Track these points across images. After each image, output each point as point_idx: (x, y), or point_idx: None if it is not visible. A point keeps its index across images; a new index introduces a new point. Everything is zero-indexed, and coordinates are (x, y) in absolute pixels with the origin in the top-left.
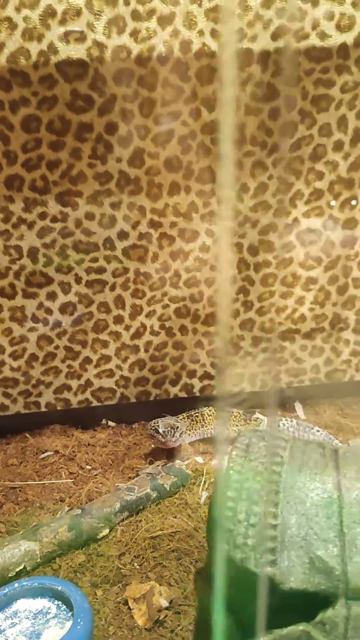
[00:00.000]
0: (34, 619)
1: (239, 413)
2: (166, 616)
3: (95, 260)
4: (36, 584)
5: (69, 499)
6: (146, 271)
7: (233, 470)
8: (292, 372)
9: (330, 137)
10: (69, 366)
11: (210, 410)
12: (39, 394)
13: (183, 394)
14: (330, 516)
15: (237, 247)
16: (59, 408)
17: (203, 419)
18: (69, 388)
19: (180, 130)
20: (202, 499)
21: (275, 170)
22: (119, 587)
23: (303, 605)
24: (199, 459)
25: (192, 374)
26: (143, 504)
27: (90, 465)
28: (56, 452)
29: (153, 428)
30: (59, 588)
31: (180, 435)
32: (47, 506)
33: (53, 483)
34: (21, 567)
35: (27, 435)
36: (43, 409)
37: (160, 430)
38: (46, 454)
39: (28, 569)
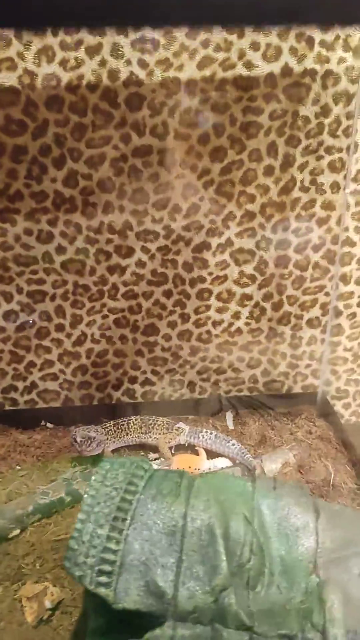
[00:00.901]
0: None
1: (163, 422)
2: (53, 615)
3: (35, 272)
4: None
5: None
6: (85, 283)
7: (87, 494)
8: (230, 382)
9: (261, 162)
10: (15, 369)
11: (136, 419)
12: None
13: (125, 399)
14: (172, 543)
15: (171, 264)
16: (6, 408)
17: (128, 427)
18: (15, 389)
19: (111, 153)
20: None
21: (207, 192)
22: (18, 585)
23: (140, 624)
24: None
25: (133, 380)
26: (56, 507)
27: (19, 466)
28: None
29: (72, 437)
30: None
31: (97, 445)
32: None
33: None
34: None
35: None
36: None
37: (78, 440)
38: None
39: None
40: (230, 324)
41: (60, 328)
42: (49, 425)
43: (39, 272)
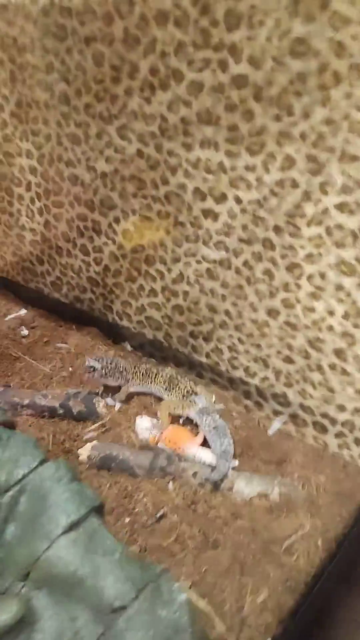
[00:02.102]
0: None
1: (185, 388)
2: None
3: (145, 197)
4: None
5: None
6: (182, 221)
7: None
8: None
9: None
10: (130, 287)
11: (165, 374)
12: (111, 301)
13: (214, 358)
14: None
15: (262, 223)
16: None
17: (155, 378)
18: (129, 305)
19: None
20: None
21: (304, 144)
22: None
23: None
24: (117, 407)
25: (220, 340)
26: (47, 412)
27: (71, 369)
28: (70, 348)
29: (88, 360)
30: None
31: (99, 376)
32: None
33: (35, 363)
34: None
35: (75, 326)
36: (112, 315)
37: (85, 364)
38: (63, 345)
39: None
40: (323, 319)
41: (162, 260)
42: (128, 347)
43: (147, 198)
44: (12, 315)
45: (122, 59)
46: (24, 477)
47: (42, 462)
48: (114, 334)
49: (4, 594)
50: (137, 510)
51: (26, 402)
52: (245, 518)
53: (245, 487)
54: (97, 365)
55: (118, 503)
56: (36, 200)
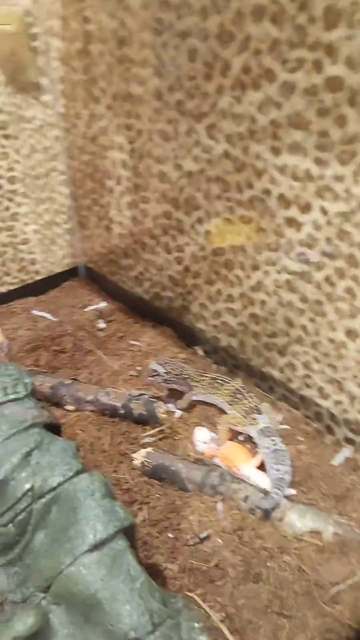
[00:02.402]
0: None
1: (250, 404)
2: None
3: (229, 200)
4: None
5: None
6: (264, 227)
7: None
8: None
9: None
10: (208, 290)
11: (232, 386)
12: (190, 302)
13: (287, 373)
14: None
15: (348, 238)
16: (195, 324)
17: (220, 388)
18: (205, 308)
19: (302, 81)
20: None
21: None
22: None
23: None
24: (177, 414)
25: (294, 355)
26: (108, 410)
27: (140, 368)
28: (142, 346)
29: (165, 366)
30: None
31: (162, 381)
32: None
33: (105, 359)
34: None
35: (151, 324)
36: (188, 316)
37: (162, 371)
38: (135, 342)
39: None
40: None
41: (242, 266)
42: (200, 352)
43: (231, 200)
44: (93, 307)
45: (215, 55)
46: (59, 485)
47: (77, 473)
48: (187, 337)
49: (25, 602)
50: (182, 526)
51: (90, 397)
52: (292, 554)
53: (298, 520)
54: (161, 370)
55: (164, 516)
56: (126, 194)
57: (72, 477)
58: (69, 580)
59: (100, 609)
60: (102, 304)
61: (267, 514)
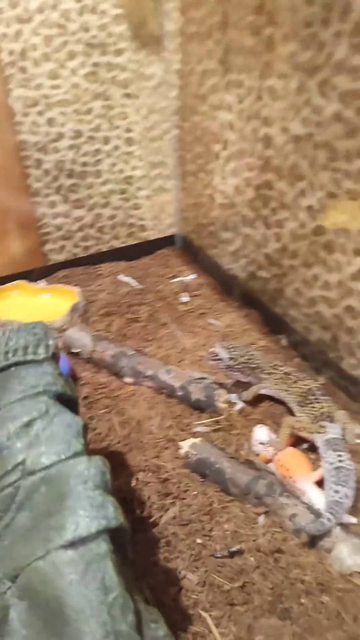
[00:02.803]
0: None
1: (321, 410)
2: None
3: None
4: None
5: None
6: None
7: None
8: None
9: None
10: (304, 275)
11: (306, 387)
12: (284, 285)
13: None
14: None
15: None
16: (286, 310)
17: (291, 385)
18: (300, 294)
19: None
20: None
21: None
22: None
23: None
24: (239, 405)
25: None
26: (165, 389)
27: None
28: (221, 326)
29: (231, 351)
30: None
31: (225, 367)
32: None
33: (179, 335)
34: None
35: (237, 304)
36: (281, 301)
37: (226, 356)
38: (215, 322)
39: None
40: None
41: (343, 250)
42: (283, 342)
43: (338, 171)
44: (181, 279)
45: None
46: (52, 465)
47: (75, 455)
48: (274, 323)
49: None
50: (213, 533)
51: (149, 372)
52: (334, 595)
53: (350, 556)
54: (224, 355)
55: (197, 518)
56: (230, 160)
57: (68, 458)
58: (36, 576)
59: (61, 618)
60: (191, 277)
61: (313, 541)
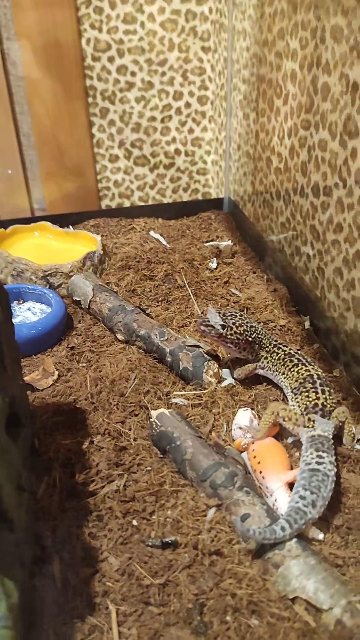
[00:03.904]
0: None
1: (322, 401)
2: None
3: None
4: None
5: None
6: None
7: None
8: None
9: None
10: (346, 252)
11: (307, 373)
12: (326, 263)
13: None
14: None
15: None
16: (323, 291)
17: (289, 370)
18: (341, 275)
19: None
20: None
21: None
22: None
23: None
24: (229, 381)
25: None
26: (155, 352)
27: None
28: (242, 298)
29: (227, 319)
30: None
31: (213, 335)
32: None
33: (192, 300)
34: None
35: (267, 277)
36: (321, 282)
37: (219, 323)
38: (237, 292)
39: None
40: None
41: None
42: (307, 325)
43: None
44: (215, 243)
45: None
46: None
47: None
48: (303, 303)
49: None
50: (153, 518)
51: (142, 332)
52: (265, 620)
53: (297, 578)
54: (216, 320)
55: (141, 497)
56: (289, 117)
57: None
58: None
59: None
60: (225, 243)
61: (261, 550)
